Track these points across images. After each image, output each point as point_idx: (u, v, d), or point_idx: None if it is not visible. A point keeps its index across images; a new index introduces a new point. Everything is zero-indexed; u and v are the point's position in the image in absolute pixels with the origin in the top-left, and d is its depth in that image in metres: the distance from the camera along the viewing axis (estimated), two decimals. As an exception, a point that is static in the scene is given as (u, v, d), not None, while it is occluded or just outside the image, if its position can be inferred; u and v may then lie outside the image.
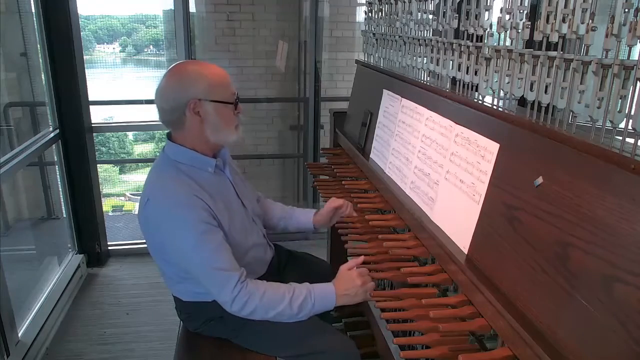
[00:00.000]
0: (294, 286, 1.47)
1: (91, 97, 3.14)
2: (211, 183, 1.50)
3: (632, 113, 0.88)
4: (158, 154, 1.59)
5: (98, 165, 3.31)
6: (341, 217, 1.78)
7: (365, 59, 2.48)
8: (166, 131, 1.55)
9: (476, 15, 1.41)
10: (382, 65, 2.22)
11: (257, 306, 1.40)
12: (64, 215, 3.26)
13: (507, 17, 1.26)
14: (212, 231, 1.41)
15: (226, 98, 1.46)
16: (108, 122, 3.91)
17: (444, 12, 1.61)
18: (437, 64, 1.64)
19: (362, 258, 1.50)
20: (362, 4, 4.14)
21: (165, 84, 1.44)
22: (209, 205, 1.42)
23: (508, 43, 1.27)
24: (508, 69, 1.25)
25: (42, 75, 2.95)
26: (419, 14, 1.78)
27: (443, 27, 1.63)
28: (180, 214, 1.39)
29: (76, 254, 3.22)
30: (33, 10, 2.82)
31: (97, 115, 3.45)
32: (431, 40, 1.67)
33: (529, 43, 1.19)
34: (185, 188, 1.41)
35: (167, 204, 1.41)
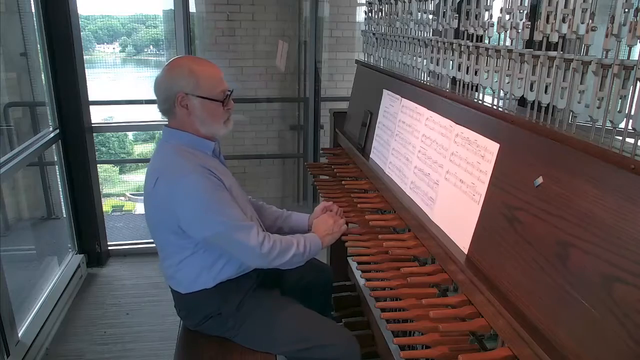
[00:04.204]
0: (289, 235, 1.60)
1: (91, 97, 3.14)
2: (213, 163, 1.55)
3: (632, 113, 0.88)
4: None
5: (98, 165, 3.30)
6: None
7: (365, 59, 2.48)
8: None
9: (476, 15, 1.41)
10: (382, 65, 2.22)
11: (280, 248, 1.51)
12: (64, 215, 3.25)
13: (507, 17, 1.26)
14: (223, 189, 1.49)
15: (213, 95, 1.51)
16: (108, 122, 3.91)
17: (444, 12, 1.61)
18: (437, 64, 1.64)
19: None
20: (362, 4, 4.14)
21: (161, 75, 1.52)
22: (216, 174, 1.48)
23: (508, 43, 1.27)
24: (508, 69, 1.25)
25: (42, 75, 2.95)
26: (419, 14, 1.78)
27: (443, 27, 1.63)
28: (191, 180, 1.44)
29: (76, 254, 3.21)
30: (33, 10, 2.81)
31: (97, 115, 3.45)
32: (431, 40, 1.67)
33: (529, 43, 1.19)
34: (192, 161, 1.47)
35: (178, 174, 1.45)
